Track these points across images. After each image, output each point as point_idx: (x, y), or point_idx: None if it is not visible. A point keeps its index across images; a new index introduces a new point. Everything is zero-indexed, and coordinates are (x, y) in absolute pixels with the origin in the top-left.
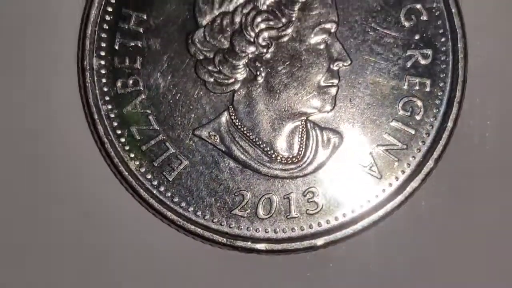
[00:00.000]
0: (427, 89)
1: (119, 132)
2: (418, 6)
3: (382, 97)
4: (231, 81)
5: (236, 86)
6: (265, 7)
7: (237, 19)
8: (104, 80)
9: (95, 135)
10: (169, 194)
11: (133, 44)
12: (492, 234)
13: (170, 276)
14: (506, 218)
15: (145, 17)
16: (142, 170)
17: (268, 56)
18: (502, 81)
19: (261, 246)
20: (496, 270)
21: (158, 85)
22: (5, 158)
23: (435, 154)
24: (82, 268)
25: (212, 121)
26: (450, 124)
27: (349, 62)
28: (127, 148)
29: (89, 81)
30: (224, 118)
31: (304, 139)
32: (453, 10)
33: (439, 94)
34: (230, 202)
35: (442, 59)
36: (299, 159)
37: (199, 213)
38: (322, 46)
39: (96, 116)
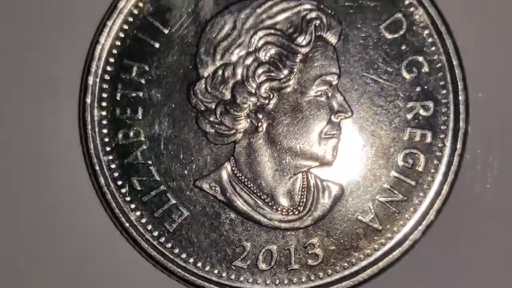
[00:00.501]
0: (428, 141)
1: (120, 183)
2: (420, 58)
3: (383, 149)
4: (232, 132)
5: (238, 137)
6: (266, 59)
7: (239, 71)
8: (105, 131)
9: (96, 186)
10: (169, 245)
11: (135, 94)
12: (493, 287)
13: None
14: (507, 271)
15: (146, 68)
16: (143, 221)
17: (269, 107)
18: (503, 132)
19: None
20: None
21: (159, 136)
22: (5, 209)
23: (436, 206)
24: None
25: (213, 172)
26: (451, 176)
27: (350, 114)
28: (128, 199)
29: (90, 132)
30: (225, 169)
31: (305, 191)
32: (454, 62)
33: (440, 146)
34: (230, 253)
35: (443, 111)
36: (300, 210)
37: (199, 264)
38: (323, 98)
39: (97, 167)
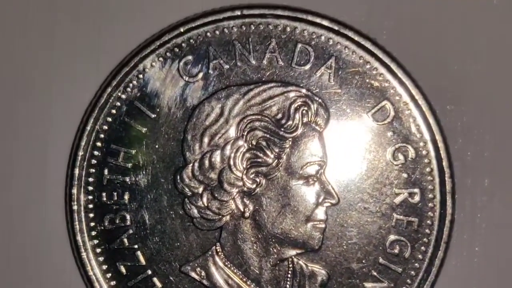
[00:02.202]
0: (415, 228)
1: (105, 267)
2: (406, 145)
3: (369, 236)
4: (218, 217)
5: (224, 222)
6: (254, 144)
7: (226, 156)
8: (91, 215)
9: (81, 270)
10: None
11: (121, 180)
12: None
13: None
14: None
15: (133, 153)
16: None
17: (256, 192)
18: (489, 219)
19: None
20: None
21: (145, 221)
22: None
23: None
24: None
25: (199, 258)
26: (437, 262)
27: (337, 200)
28: (113, 283)
29: (76, 216)
30: (211, 255)
31: (291, 277)
32: (441, 151)
33: (426, 233)
34: None
35: (429, 198)
36: None
37: None
38: (310, 184)
39: (82, 251)
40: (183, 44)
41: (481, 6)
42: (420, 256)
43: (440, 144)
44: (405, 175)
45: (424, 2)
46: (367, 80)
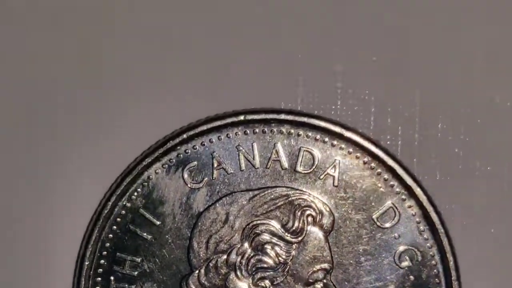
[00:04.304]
0: None
1: None
2: (412, 248)
3: None
4: None
5: None
6: (259, 248)
7: (232, 261)
8: None
9: None
10: None
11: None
12: None
13: None
14: None
15: (139, 261)
16: None
17: None
18: None
19: None
20: None
21: None
22: None
23: None
24: None
25: None
26: None
27: None
28: None
29: None
30: None
31: None
32: (447, 254)
33: None
34: None
35: None
36: None
37: None
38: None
39: None
40: (187, 151)
41: (484, 107)
42: None
43: (446, 247)
44: (411, 277)
45: (426, 103)
46: (372, 183)
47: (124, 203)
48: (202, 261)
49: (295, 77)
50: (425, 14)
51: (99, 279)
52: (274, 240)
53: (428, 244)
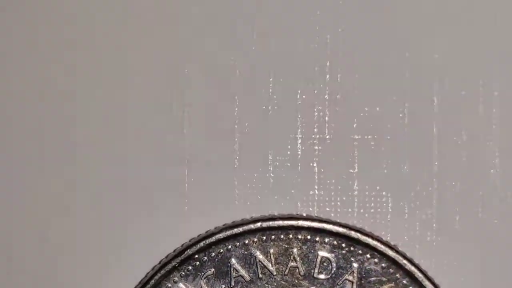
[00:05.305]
0: None
1: None
2: None
3: None
4: None
5: None
6: None
7: None
8: None
9: None
10: None
11: None
12: None
13: None
14: None
15: None
16: None
17: None
18: None
19: None
20: None
21: None
22: None
23: None
24: None
25: None
26: None
27: None
28: None
29: None
30: None
31: None
32: None
33: None
34: None
35: None
36: None
37: None
38: None
39: None
40: (204, 259)
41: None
42: None
43: None
44: None
45: (442, 203)
46: None
47: None
48: None
49: (312, 180)
50: None
51: None
52: None
53: None
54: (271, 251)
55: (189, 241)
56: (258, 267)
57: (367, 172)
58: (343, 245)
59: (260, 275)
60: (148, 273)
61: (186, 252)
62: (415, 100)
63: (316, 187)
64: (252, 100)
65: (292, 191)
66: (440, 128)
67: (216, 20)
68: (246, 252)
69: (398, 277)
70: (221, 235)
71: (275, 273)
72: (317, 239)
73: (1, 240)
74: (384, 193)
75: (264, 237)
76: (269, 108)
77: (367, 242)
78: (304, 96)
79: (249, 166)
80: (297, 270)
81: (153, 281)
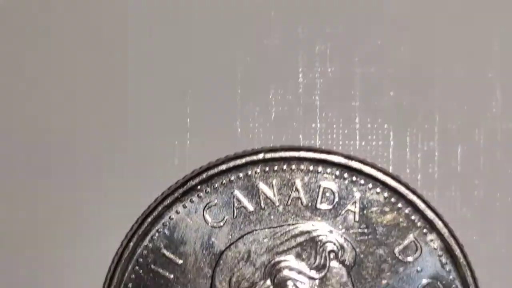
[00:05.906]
0: None
1: None
2: (435, 282)
3: None
4: None
5: None
6: (282, 284)
7: None
8: None
9: None
10: None
11: None
12: None
13: None
14: None
15: None
16: None
17: None
18: None
19: None
20: None
21: None
22: None
23: None
24: None
25: None
26: None
27: None
28: None
29: None
30: None
31: None
32: (470, 286)
33: None
34: None
35: None
36: None
37: None
38: None
39: None
40: (207, 190)
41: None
42: None
43: (469, 279)
44: None
45: (444, 136)
46: (392, 218)
47: (145, 244)
48: None
49: (313, 112)
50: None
51: None
52: (296, 276)
53: (451, 277)
54: (274, 182)
55: (191, 173)
56: (261, 198)
57: (368, 105)
58: (345, 175)
59: (263, 206)
60: (150, 205)
61: (188, 183)
62: (417, 33)
63: (318, 119)
64: (253, 34)
65: (294, 123)
66: (441, 59)
67: None
68: (248, 183)
69: (400, 206)
70: (223, 167)
71: (277, 203)
72: (319, 169)
73: None
74: (386, 125)
75: (267, 168)
76: (270, 42)
77: (369, 172)
78: (305, 30)
79: (251, 100)
80: (299, 201)
81: (156, 212)
